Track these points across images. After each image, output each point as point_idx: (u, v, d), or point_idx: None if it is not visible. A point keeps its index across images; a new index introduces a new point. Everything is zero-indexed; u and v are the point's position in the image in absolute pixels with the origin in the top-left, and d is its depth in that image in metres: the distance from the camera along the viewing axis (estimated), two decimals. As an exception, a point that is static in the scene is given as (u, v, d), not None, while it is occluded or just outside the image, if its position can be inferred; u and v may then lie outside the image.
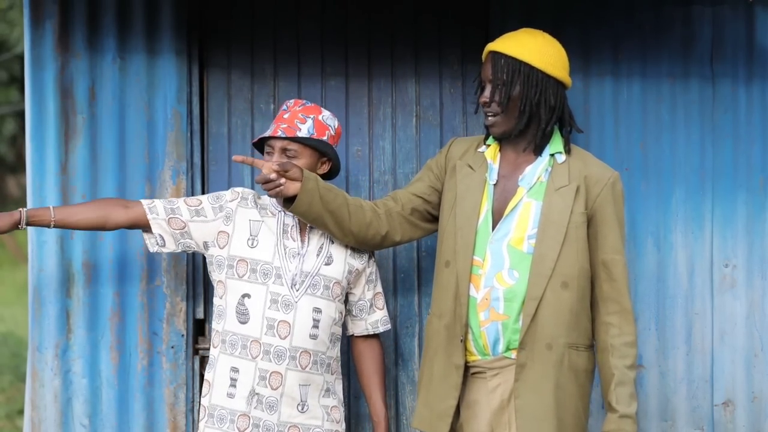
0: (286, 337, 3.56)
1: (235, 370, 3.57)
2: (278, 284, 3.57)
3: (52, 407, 3.88)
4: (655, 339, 4.08)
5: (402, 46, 4.13)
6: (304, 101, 3.68)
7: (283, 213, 3.63)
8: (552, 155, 3.53)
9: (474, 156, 3.59)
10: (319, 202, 3.48)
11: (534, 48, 3.48)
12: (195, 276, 3.96)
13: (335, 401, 3.67)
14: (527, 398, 3.43)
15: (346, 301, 3.72)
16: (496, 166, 3.55)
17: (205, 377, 3.66)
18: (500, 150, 3.57)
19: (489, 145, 3.58)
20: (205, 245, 3.64)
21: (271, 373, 3.55)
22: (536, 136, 3.51)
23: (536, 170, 3.51)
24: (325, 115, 3.66)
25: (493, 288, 3.46)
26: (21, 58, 12.23)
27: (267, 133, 3.61)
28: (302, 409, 3.59)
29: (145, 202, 3.63)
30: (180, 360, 3.92)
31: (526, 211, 3.48)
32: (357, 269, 3.68)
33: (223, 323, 3.61)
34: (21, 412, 7.78)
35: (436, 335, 3.55)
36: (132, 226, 3.64)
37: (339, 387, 3.70)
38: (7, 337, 10.39)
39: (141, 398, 3.91)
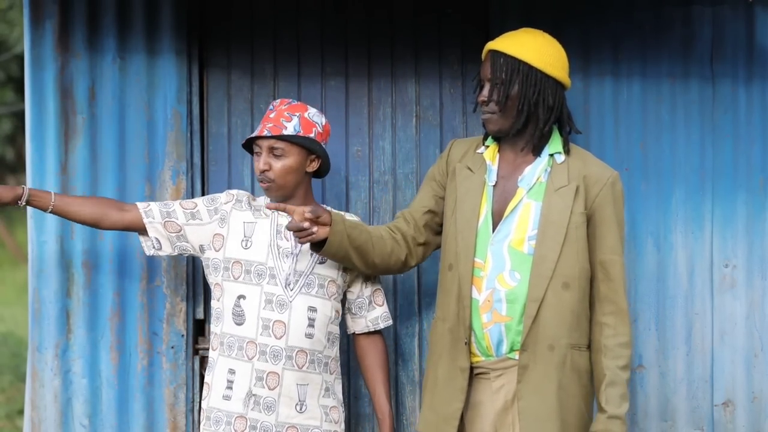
0: (281, 337, 3.55)
1: (231, 371, 3.57)
2: (272, 284, 3.57)
3: (52, 407, 3.88)
4: (655, 339, 4.07)
5: (402, 46, 4.13)
6: (290, 100, 3.67)
7: (276, 213, 3.63)
8: (551, 155, 3.53)
9: (473, 157, 3.58)
10: (346, 241, 3.49)
11: (533, 47, 3.48)
12: (195, 276, 3.96)
13: (334, 401, 3.66)
14: (530, 400, 3.42)
15: (345, 299, 3.72)
16: (495, 167, 3.54)
17: (205, 380, 3.66)
18: (499, 151, 3.56)
19: (488, 146, 3.58)
20: (201, 248, 3.64)
21: (268, 373, 3.55)
22: (534, 136, 3.50)
23: (535, 171, 3.51)
24: (311, 112, 3.64)
25: (495, 290, 3.45)
26: (18, 58, 12.25)
27: (254, 134, 3.61)
28: (301, 409, 3.58)
29: (141, 205, 3.63)
30: (180, 360, 3.92)
31: (526, 212, 3.48)
32: (353, 266, 3.68)
33: (220, 326, 3.61)
34: (21, 412, 7.78)
35: (440, 339, 3.54)
36: (127, 229, 3.65)
37: (338, 387, 3.69)
38: (7, 337, 10.39)
39: (141, 398, 3.91)
